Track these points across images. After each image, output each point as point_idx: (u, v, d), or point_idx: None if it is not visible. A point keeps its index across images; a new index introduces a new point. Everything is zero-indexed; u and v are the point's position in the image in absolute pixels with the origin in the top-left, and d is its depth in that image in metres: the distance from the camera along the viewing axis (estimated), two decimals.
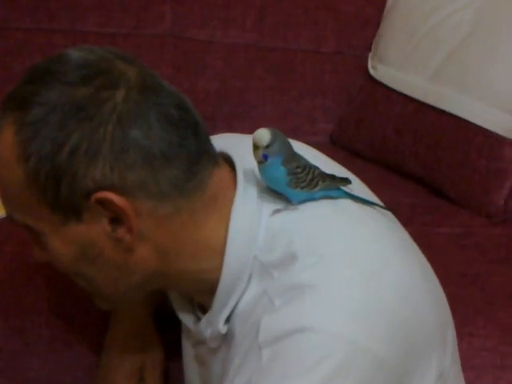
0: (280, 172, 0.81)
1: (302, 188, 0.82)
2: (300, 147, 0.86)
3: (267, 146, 0.80)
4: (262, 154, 0.80)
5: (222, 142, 0.86)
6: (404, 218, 0.92)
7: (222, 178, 0.82)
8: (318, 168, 0.84)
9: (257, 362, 0.76)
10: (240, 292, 0.81)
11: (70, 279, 0.86)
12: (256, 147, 0.81)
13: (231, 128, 1.52)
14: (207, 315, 0.85)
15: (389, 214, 0.90)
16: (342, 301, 0.76)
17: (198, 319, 0.88)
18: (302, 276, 0.77)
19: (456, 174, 1.42)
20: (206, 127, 0.82)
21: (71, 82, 0.77)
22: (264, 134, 0.80)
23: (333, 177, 0.84)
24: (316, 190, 0.82)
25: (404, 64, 1.48)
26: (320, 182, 0.82)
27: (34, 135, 0.76)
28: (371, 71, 1.53)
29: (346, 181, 0.85)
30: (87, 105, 0.76)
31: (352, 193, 0.85)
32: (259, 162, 0.81)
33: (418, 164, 1.46)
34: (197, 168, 0.79)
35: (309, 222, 0.81)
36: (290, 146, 0.83)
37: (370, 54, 1.55)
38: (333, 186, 0.84)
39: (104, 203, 0.77)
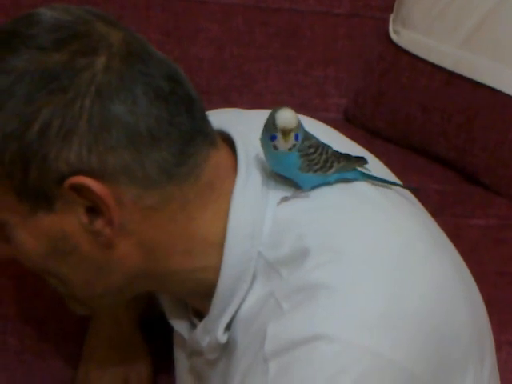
0: (293, 155, 0.81)
1: (316, 171, 0.81)
2: (307, 122, 0.85)
3: (297, 126, 0.79)
4: (295, 136, 0.79)
5: (218, 118, 0.86)
6: (431, 208, 0.93)
7: (220, 161, 0.82)
8: (330, 147, 0.84)
9: (262, 377, 0.76)
10: (242, 294, 0.81)
11: (41, 278, 0.86)
12: (286, 132, 0.79)
13: (228, 103, 1.52)
14: (204, 322, 0.85)
15: (412, 197, 0.90)
16: (362, 305, 0.76)
17: (194, 326, 0.88)
18: (315, 275, 0.77)
19: (492, 157, 1.42)
20: (202, 102, 0.82)
21: (42, 46, 0.76)
22: (291, 114, 0.79)
23: (348, 156, 0.84)
24: (331, 172, 0.82)
25: (431, 28, 1.48)
26: (335, 164, 0.82)
27: None
28: (393, 36, 1.52)
29: (363, 160, 0.85)
30: (60, 74, 0.75)
31: (370, 173, 0.86)
32: (290, 149, 0.80)
33: (447, 145, 1.46)
34: (190, 150, 0.79)
35: (322, 212, 0.81)
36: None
37: (392, 17, 1.55)
38: (349, 168, 0.83)
39: (79, 190, 0.76)
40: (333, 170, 0.82)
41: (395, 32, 1.52)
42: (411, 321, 0.77)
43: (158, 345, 1.02)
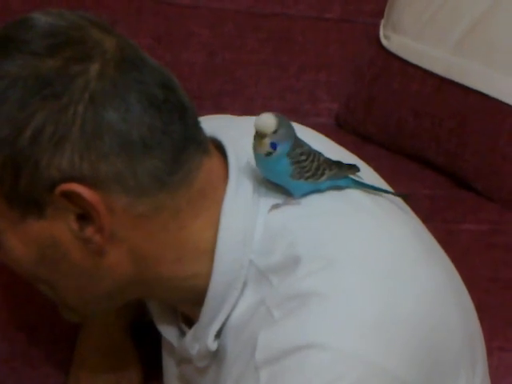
0: (284, 162, 0.80)
1: (307, 178, 0.81)
2: (298, 129, 0.85)
3: (275, 132, 0.79)
4: (271, 143, 0.79)
5: (209, 124, 0.85)
6: (423, 213, 0.92)
7: (212, 168, 0.82)
8: (322, 154, 0.84)
9: None
10: (233, 302, 0.81)
11: (32, 285, 0.86)
12: (261, 136, 0.79)
13: (220, 108, 1.51)
14: (194, 329, 0.84)
15: (403, 205, 0.90)
16: (354, 313, 0.76)
17: (183, 333, 0.88)
18: (307, 283, 0.77)
19: (483, 162, 1.42)
20: (195, 110, 0.81)
21: (36, 52, 0.76)
22: (269, 119, 0.79)
23: (339, 164, 0.84)
24: (322, 180, 0.82)
25: (422, 33, 1.48)
26: (326, 171, 0.82)
27: None
28: (384, 41, 1.53)
29: (355, 168, 0.85)
30: (54, 80, 0.75)
31: (362, 181, 0.85)
32: (267, 154, 0.80)
33: (438, 150, 1.46)
34: (183, 158, 0.79)
35: (314, 219, 0.81)
36: (294, 130, 0.82)
37: (383, 22, 1.55)
38: (340, 175, 0.83)
39: (70, 197, 0.76)
40: (324, 177, 0.82)
41: (386, 37, 1.52)
42: (404, 327, 0.77)
43: (148, 352, 1.01)
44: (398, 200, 0.90)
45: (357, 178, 0.86)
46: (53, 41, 0.76)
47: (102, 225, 0.77)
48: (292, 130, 0.81)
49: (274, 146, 0.79)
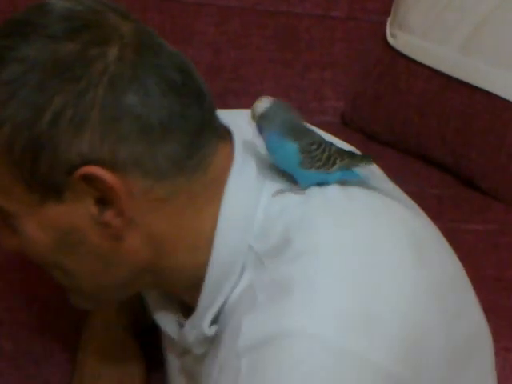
0: (290, 149, 0.81)
1: (318, 168, 0.82)
2: None
3: (261, 116, 0.80)
4: (256, 125, 0.81)
5: (219, 113, 0.85)
6: (428, 213, 0.92)
7: (227, 154, 0.82)
8: (334, 145, 0.84)
9: (234, 376, 0.75)
10: (230, 287, 0.80)
11: (36, 283, 0.86)
12: (252, 115, 0.81)
13: (225, 106, 1.39)
14: (192, 317, 0.84)
15: (410, 203, 0.89)
16: (338, 302, 0.75)
17: (182, 327, 0.87)
18: (293, 267, 0.76)
19: (489, 162, 1.43)
20: (211, 96, 0.82)
21: (54, 35, 0.76)
22: (263, 100, 0.81)
23: (352, 154, 0.84)
24: (334, 169, 0.82)
25: (429, 31, 1.48)
26: (338, 161, 0.82)
27: (9, 97, 0.75)
28: (390, 40, 1.53)
29: (368, 159, 0.85)
30: (73, 63, 0.75)
31: (372, 183, 0.85)
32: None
33: (444, 150, 1.46)
34: (200, 142, 0.79)
35: (314, 206, 0.81)
36: (297, 120, 0.83)
37: (389, 20, 1.55)
38: (353, 165, 0.84)
39: (90, 180, 0.76)
40: (336, 167, 0.82)
41: (392, 35, 1.53)
42: (389, 320, 0.76)
43: (151, 347, 1.01)
44: (406, 198, 0.90)
45: (366, 178, 0.85)
46: (71, 25, 0.77)
47: (121, 208, 0.77)
48: (290, 119, 0.82)
49: (259, 128, 0.81)
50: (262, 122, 0.81)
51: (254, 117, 0.81)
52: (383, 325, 0.76)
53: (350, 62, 1.58)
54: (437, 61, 1.46)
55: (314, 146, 0.82)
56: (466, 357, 0.83)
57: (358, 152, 0.89)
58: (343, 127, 1.56)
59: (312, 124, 0.92)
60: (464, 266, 0.89)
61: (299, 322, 0.74)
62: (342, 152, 0.84)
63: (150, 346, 1.02)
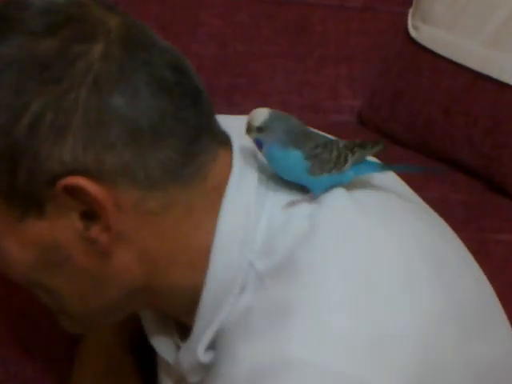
0: (295, 157, 0.80)
1: (330, 170, 0.81)
2: None
3: (260, 129, 0.80)
4: (255, 140, 0.80)
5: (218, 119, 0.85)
6: (455, 221, 0.91)
7: (228, 162, 0.81)
8: (339, 140, 0.84)
9: None
10: (228, 309, 0.80)
11: (27, 301, 0.87)
12: (248, 129, 0.81)
13: (231, 104, 1.52)
14: (188, 341, 0.83)
15: (428, 210, 0.89)
16: (342, 326, 0.75)
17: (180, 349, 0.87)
18: (295, 290, 0.76)
19: None
20: (210, 97, 0.81)
21: (32, 31, 0.75)
22: (259, 112, 0.80)
23: (362, 144, 0.84)
24: (347, 167, 0.82)
25: (454, 23, 1.47)
26: (349, 157, 0.82)
27: None
28: (412, 32, 1.51)
29: (379, 144, 0.84)
30: (53, 62, 0.74)
31: (386, 164, 0.86)
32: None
33: (472, 152, 1.45)
34: (196, 149, 0.78)
35: (321, 220, 0.80)
36: (298, 127, 0.83)
37: (411, 11, 1.54)
38: (365, 154, 0.83)
39: (74, 192, 0.75)
40: (348, 164, 0.82)
41: (415, 28, 1.51)
42: (396, 344, 0.75)
43: (148, 362, 1.00)
44: (425, 207, 0.90)
45: (379, 162, 0.86)
46: (51, 19, 0.76)
47: (108, 223, 0.76)
48: (290, 128, 0.82)
49: (258, 143, 0.81)
50: (261, 136, 0.81)
51: (251, 131, 0.81)
52: (389, 349, 0.75)
53: (368, 57, 1.57)
54: (463, 55, 1.45)
55: (319, 149, 0.82)
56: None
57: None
58: (360, 127, 1.56)
59: (326, 124, 0.94)
60: (494, 281, 0.88)
61: (298, 352, 0.74)
62: (350, 145, 0.84)
63: (147, 361, 1.00)
